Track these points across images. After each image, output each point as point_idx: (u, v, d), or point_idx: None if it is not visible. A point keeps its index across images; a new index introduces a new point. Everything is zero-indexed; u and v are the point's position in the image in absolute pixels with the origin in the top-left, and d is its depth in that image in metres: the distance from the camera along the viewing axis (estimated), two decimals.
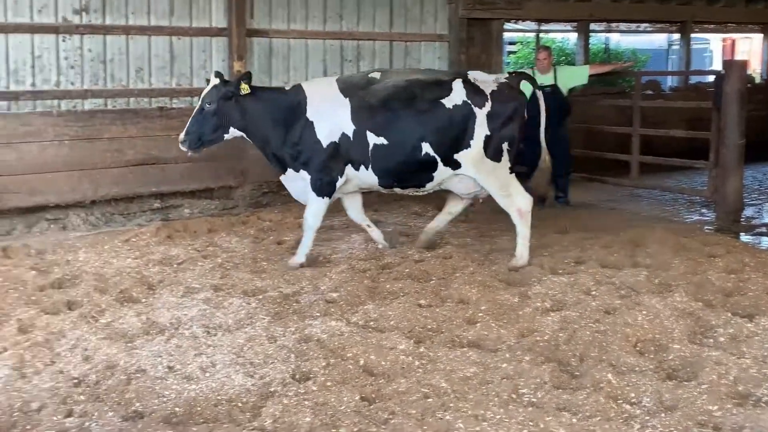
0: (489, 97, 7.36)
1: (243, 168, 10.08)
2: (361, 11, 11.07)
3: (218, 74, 7.35)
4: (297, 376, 5.06)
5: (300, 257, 7.45)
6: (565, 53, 16.50)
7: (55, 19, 8.96)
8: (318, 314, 6.13)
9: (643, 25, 16.66)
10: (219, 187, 10.03)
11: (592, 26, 14.90)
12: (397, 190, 7.71)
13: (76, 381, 4.97)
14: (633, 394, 4.76)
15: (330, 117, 7.29)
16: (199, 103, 7.28)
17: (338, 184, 7.42)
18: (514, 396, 4.75)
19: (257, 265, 7.53)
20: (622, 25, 16.45)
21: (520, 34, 17.07)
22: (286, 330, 5.79)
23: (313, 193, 7.41)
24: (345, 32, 10.97)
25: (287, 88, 7.69)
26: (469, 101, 7.29)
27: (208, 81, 7.36)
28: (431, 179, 7.45)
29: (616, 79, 14.50)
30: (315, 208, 7.44)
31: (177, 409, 4.59)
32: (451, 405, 4.61)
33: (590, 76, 10.74)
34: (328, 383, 4.94)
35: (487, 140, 7.30)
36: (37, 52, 8.88)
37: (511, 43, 17.65)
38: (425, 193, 7.80)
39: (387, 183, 7.49)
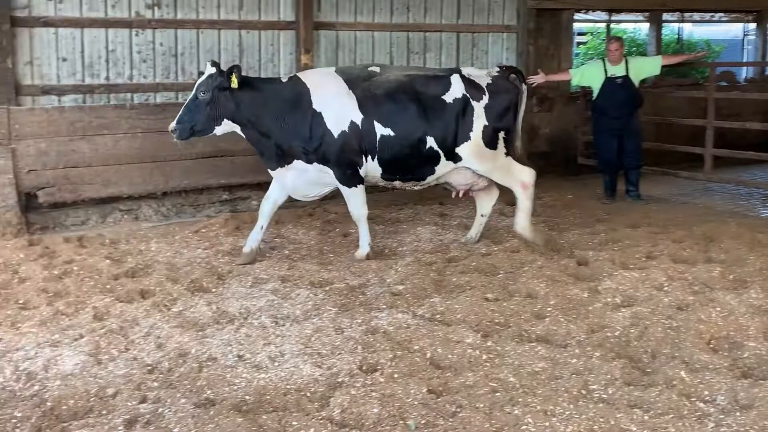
0: (485, 89, 7.52)
1: None
2: (429, 2, 11.02)
3: (214, 63, 7.15)
4: (364, 368, 5.08)
5: (364, 248, 7.48)
6: (637, 44, 16.11)
7: (129, 13, 9.14)
8: (384, 306, 6.14)
9: (717, 15, 16.17)
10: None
11: (665, 16, 14.53)
12: (398, 183, 7.68)
13: (149, 368, 5.09)
14: (707, 392, 4.64)
15: (338, 107, 7.24)
16: (194, 91, 7.10)
17: (362, 171, 7.38)
18: (583, 392, 4.68)
19: (323, 257, 7.59)
20: (696, 15, 15.99)
21: (590, 25, 16.74)
22: (352, 321, 5.82)
23: (345, 187, 7.42)
24: (412, 24, 10.94)
25: (283, 79, 7.60)
26: (467, 95, 7.44)
27: (201, 73, 7.28)
28: (433, 172, 7.51)
29: (689, 70, 14.11)
30: (354, 199, 7.46)
31: (247, 397, 4.66)
32: (520, 400, 4.57)
33: (663, 67, 10.47)
34: (395, 375, 4.95)
35: (485, 131, 7.45)
36: (111, 46, 9.08)
37: (580, 34, 17.34)
38: (423, 186, 7.82)
39: (390, 175, 7.51)
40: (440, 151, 7.40)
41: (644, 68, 10.36)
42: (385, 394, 4.64)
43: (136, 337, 5.59)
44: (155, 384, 4.86)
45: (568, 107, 12.11)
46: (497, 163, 7.55)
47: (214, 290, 6.63)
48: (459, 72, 7.62)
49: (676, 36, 16.16)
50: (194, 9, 9.49)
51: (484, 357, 5.19)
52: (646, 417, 4.30)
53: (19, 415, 4.44)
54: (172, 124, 7.06)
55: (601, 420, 4.28)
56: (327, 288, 6.59)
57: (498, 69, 7.84)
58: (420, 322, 5.75)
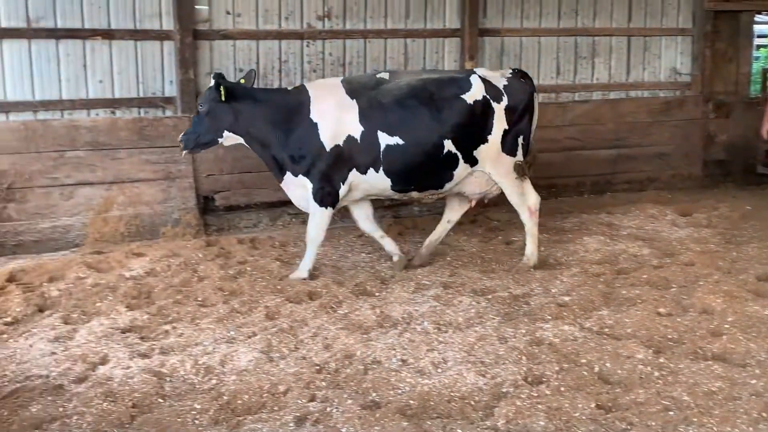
0: (503, 91, 7.28)
1: None
2: (598, 6, 10.74)
3: (215, 76, 7.11)
4: (529, 379, 4.99)
5: (302, 272, 7.15)
6: None
7: (301, 25, 9.49)
8: (549, 317, 6.02)
9: None
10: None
11: None
12: (415, 194, 7.38)
13: (317, 368, 5.23)
14: None
15: (336, 119, 7.01)
16: (197, 105, 7.29)
17: (341, 192, 7.10)
18: (764, 414, 4.40)
19: (486, 265, 7.54)
20: None
21: None
22: (516, 331, 5.74)
23: (315, 203, 7.11)
24: (580, 28, 10.70)
25: (289, 89, 7.55)
26: (488, 96, 7.21)
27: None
28: (451, 178, 7.21)
29: None
30: (317, 220, 7.13)
31: (411, 401, 4.69)
32: (695, 420, 4.36)
33: None
34: (562, 388, 4.83)
35: (505, 134, 7.23)
36: (284, 57, 9.46)
37: (760, 36, 16.32)
38: (441, 195, 7.50)
39: (403, 186, 7.19)
40: (458, 154, 7.16)
41: None
42: (552, 407, 4.54)
43: (305, 337, 5.77)
44: (323, 383, 5.00)
45: (748, 113, 11.42)
46: (513, 172, 7.35)
47: (377, 294, 6.74)
48: (468, 73, 7.42)
49: None
50: (362, 19, 9.72)
51: (656, 374, 4.98)
52: None
53: (198, 407, 4.69)
54: (181, 135, 7.21)
55: None
56: (489, 296, 6.54)
57: (511, 71, 7.58)
58: (587, 335, 5.59)
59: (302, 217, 9.50)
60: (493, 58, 10.34)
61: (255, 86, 7.39)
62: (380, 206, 9.94)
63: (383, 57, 9.86)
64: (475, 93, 7.19)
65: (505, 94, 7.28)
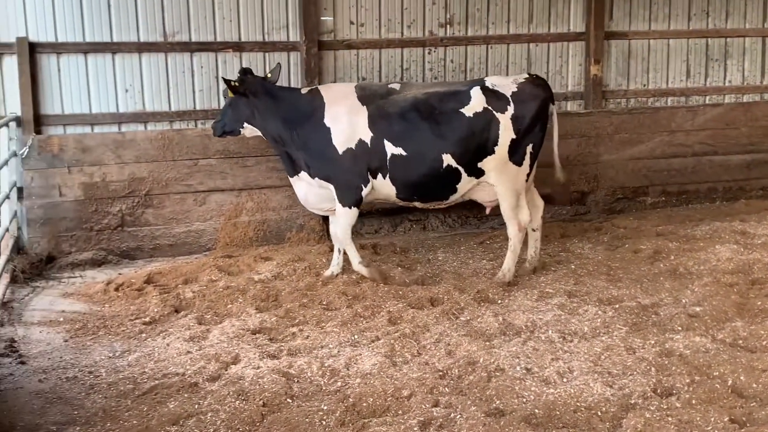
0: (510, 99, 7.05)
1: (596, 173, 9.93)
2: (730, 6, 10.32)
3: (244, 70, 7.44)
4: (659, 391, 4.87)
5: (359, 267, 7.33)
6: None
7: (423, 33, 9.57)
8: (680, 328, 5.84)
9: None
10: (571, 192, 9.97)
11: None
12: (418, 204, 7.43)
13: (440, 373, 5.27)
14: None
15: (348, 124, 7.14)
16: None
17: (366, 190, 7.20)
18: None
19: (612, 273, 7.36)
20: None
21: None
22: (645, 342, 5.60)
23: (339, 204, 7.27)
24: (711, 30, 10.31)
25: (303, 91, 7.59)
26: (489, 107, 7.02)
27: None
28: (454, 191, 7.18)
29: None
30: (343, 220, 7.28)
31: (536, 410, 4.65)
32: None
33: None
34: (693, 401, 4.69)
35: (513, 144, 7.04)
36: (406, 64, 9.56)
37: None
38: (448, 205, 7.43)
39: (406, 196, 7.26)
40: (460, 168, 7.02)
41: None
42: (682, 420, 4.42)
43: (427, 343, 5.82)
44: (446, 389, 5.03)
45: None
46: (517, 182, 7.12)
47: (499, 302, 6.71)
48: (481, 84, 7.21)
49: None
50: (484, 25, 9.71)
51: None
52: None
53: (325, 408, 4.81)
54: (212, 122, 7.65)
55: None
56: (616, 306, 6.40)
57: (526, 77, 7.30)
58: (720, 347, 5.39)
59: (422, 224, 9.60)
60: (619, 61, 10.12)
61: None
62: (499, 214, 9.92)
63: (505, 62, 9.82)
64: (475, 105, 7.07)
65: (511, 103, 7.08)
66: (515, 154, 7.08)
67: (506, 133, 7.04)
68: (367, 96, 7.31)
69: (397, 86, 7.45)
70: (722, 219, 9.02)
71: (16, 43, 8.21)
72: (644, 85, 10.28)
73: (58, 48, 8.44)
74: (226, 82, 7.34)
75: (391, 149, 7.12)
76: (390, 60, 9.51)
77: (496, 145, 7.05)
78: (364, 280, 7.35)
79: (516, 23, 9.79)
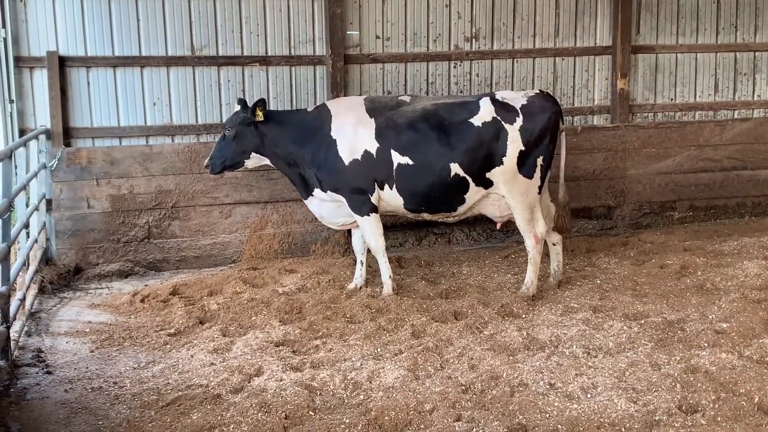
0: (519, 111, 7.04)
1: (623, 188, 9.88)
2: (759, 20, 10.27)
3: (240, 101, 7.39)
4: (683, 407, 4.80)
5: (387, 284, 7.34)
6: None
7: (449, 47, 9.60)
8: (706, 344, 5.76)
9: None
10: (597, 207, 9.92)
11: None
12: (426, 215, 7.40)
13: (463, 387, 5.24)
14: None
15: (354, 135, 7.21)
16: (223, 129, 7.50)
17: (374, 198, 7.25)
18: None
19: (638, 288, 7.29)
20: None
21: None
22: (670, 358, 5.53)
23: (357, 215, 7.33)
24: (740, 44, 10.26)
25: (309, 109, 7.66)
26: (498, 117, 7.03)
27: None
28: (463, 201, 7.16)
29: None
30: (368, 228, 7.33)
31: (559, 426, 4.61)
32: None
33: None
34: (719, 418, 4.62)
35: (522, 156, 7.00)
36: (431, 78, 9.59)
37: None
38: (457, 219, 7.40)
39: (414, 207, 7.27)
40: (468, 177, 7.02)
41: None
42: None
43: (450, 357, 5.79)
44: (469, 404, 5.00)
45: None
46: (528, 195, 7.06)
47: (524, 316, 6.67)
48: (491, 96, 7.21)
49: None
50: (510, 39, 9.73)
51: None
52: None
53: (347, 421, 4.80)
54: (206, 160, 7.53)
55: None
56: (642, 321, 6.33)
57: (537, 92, 7.27)
58: (747, 364, 5.30)
59: (447, 238, 9.59)
60: (647, 75, 10.08)
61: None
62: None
63: (531, 77, 9.82)
64: (484, 115, 7.07)
65: (521, 115, 7.06)
66: (524, 166, 7.05)
67: (514, 144, 7.03)
68: (376, 108, 7.40)
69: (407, 98, 7.51)
70: (750, 234, 8.91)
71: (46, 57, 8.37)
72: (671, 99, 10.22)
73: (88, 62, 8.58)
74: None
75: (397, 159, 7.16)
76: (416, 74, 9.54)
77: (505, 155, 7.03)
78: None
79: (542, 37, 9.79)
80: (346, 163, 7.24)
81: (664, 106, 10.20)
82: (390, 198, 7.28)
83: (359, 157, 7.23)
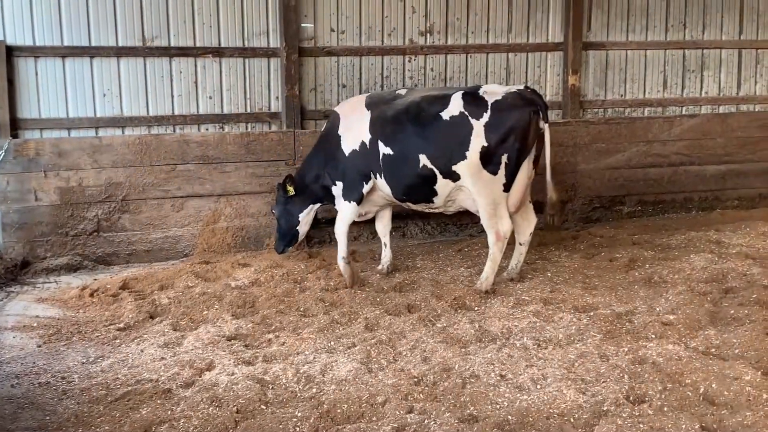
0: (489, 107, 7.05)
1: (573, 182, 10.00)
2: (707, 18, 10.46)
3: (278, 186, 8.12)
4: (631, 398, 4.89)
5: (340, 264, 7.61)
6: None
7: (403, 41, 9.61)
8: (653, 336, 5.87)
9: None
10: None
11: None
12: (411, 205, 7.62)
13: (415, 380, 5.27)
14: None
15: (355, 129, 7.59)
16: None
17: (364, 190, 7.58)
18: None
19: (588, 282, 7.40)
20: None
21: None
22: (618, 349, 5.63)
23: (341, 198, 7.76)
24: (688, 41, 10.45)
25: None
26: (465, 112, 7.08)
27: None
28: (435, 193, 7.30)
29: None
30: (342, 213, 7.74)
31: (510, 417, 4.66)
32: None
33: None
34: (665, 408, 4.72)
35: (485, 151, 7.00)
36: (386, 72, 9.59)
37: None
38: (438, 210, 7.57)
39: (399, 196, 7.51)
40: (435, 169, 7.15)
41: None
42: (654, 427, 4.44)
43: (403, 349, 5.82)
44: (421, 396, 5.03)
45: None
46: (492, 191, 7.07)
47: (476, 309, 6.73)
48: (472, 89, 7.27)
49: None
50: (464, 35, 9.77)
51: (765, 396, 4.78)
52: None
53: (299, 414, 4.80)
54: (276, 250, 8.23)
55: None
56: (591, 313, 6.43)
57: (522, 87, 7.27)
58: (693, 355, 5.42)
59: (402, 231, 9.61)
60: (597, 72, 10.21)
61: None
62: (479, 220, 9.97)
63: (484, 72, 9.88)
64: (452, 109, 7.15)
65: (488, 111, 7.05)
66: (489, 163, 7.03)
67: (477, 139, 7.03)
68: (373, 102, 7.70)
69: (403, 91, 7.72)
70: (697, 229, 9.11)
71: None
72: (621, 96, 10.38)
73: (36, 52, 8.40)
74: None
75: (383, 149, 7.37)
76: (370, 67, 9.53)
77: (468, 150, 7.06)
78: (342, 286, 7.36)
79: (495, 33, 9.86)
80: (347, 154, 7.63)
81: (614, 102, 10.35)
82: (383, 186, 7.53)
83: (357, 148, 7.56)
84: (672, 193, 10.36)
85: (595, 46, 10.15)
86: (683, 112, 10.55)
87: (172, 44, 8.81)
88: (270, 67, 9.18)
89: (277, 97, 9.23)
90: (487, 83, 9.77)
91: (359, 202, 7.66)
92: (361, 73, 9.50)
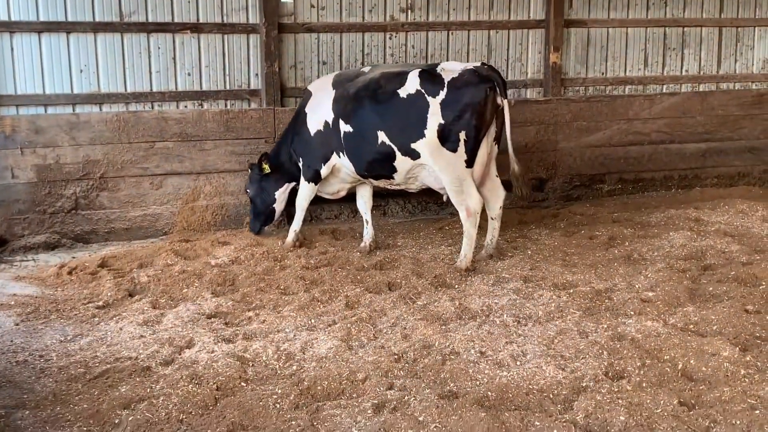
0: (445, 85, 7.02)
1: (554, 161, 10.01)
2: None
3: (250, 165, 8.29)
4: (610, 374, 4.93)
5: (291, 235, 8.01)
6: None
7: (384, 18, 9.54)
8: (632, 313, 5.91)
9: None
10: (529, 179, 10.02)
11: None
12: (373, 181, 7.76)
13: (396, 357, 5.28)
14: None
15: (319, 108, 7.75)
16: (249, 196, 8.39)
17: (322, 171, 7.81)
18: None
19: (568, 259, 7.43)
20: None
21: None
22: (598, 326, 5.67)
23: (303, 178, 8.00)
24: (669, 19, 10.44)
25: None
26: (422, 90, 7.07)
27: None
28: (395, 170, 7.34)
29: None
30: (302, 192, 8.03)
31: (489, 393, 4.68)
32: None
33: None
34: (644, 384, 4.76)
35: (442, 129, 6.98)
36: (367, 49, 9.52)
37: None
38: (399, 187, 7.68)
39: (361, 172, 7.60)
40: (393, 146, 7.19)
41: None
42: (633, 403, 4.47)
43: (384, 327, 5.83)
44: (401, 372, 5.04)
45: None
46: (454, 168, 7.02)
47: (456, 286, 6.74)
48: (430, 67, 7.24)
49: None
50: (445, 11, 9.71)
51: (743, 372, 4.84)
52: None
53: (279, 391, 4.79)
54: (248, 228, 8.48)
55: None
56: (571, 290, 6.46)
57: (479, 64, 7.21)
58: (671, 331, 5.46)
59: (383, 210, 9.60)
60: (578, 49, 10.19)
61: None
62: None
63: (466, 49, 9.83)
64: (409, 87, 7.13)
65: (445, 88, 7.00)
66: (447, 140, 6.98)
67: (434, 117, 7.00)
68: (339, 81, 7.77)
69: (367, 69, 7.74)
70: (677, 206, 9.16)
71: None
72: (602, 74, 10.38)
73: (12, 27, 8.26)
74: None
75: (343, 127, 7.48)
76: (351, 44, 9.46)
77: (425, 128, 7.03)
78: (323, 264, 7.35)
79: (477, 10, 9.80)
80: (312, 133, 7.80)
81: (595, 80, 10.34)
82: (346, 163, 7.61)
83: (321, 128, 7.72)
84: (652, 171, 10.40)
85: (576, 24, 10.12)
86: (664, 90, 10.56)
87: (150, 20, 8.69)
88: (249, 43, 9.08)
89: (257, 74, 9.14)
90: (468, 60, 9.73)
91: (316, 182, 7.94)
92: (341, 50, 9.43)
